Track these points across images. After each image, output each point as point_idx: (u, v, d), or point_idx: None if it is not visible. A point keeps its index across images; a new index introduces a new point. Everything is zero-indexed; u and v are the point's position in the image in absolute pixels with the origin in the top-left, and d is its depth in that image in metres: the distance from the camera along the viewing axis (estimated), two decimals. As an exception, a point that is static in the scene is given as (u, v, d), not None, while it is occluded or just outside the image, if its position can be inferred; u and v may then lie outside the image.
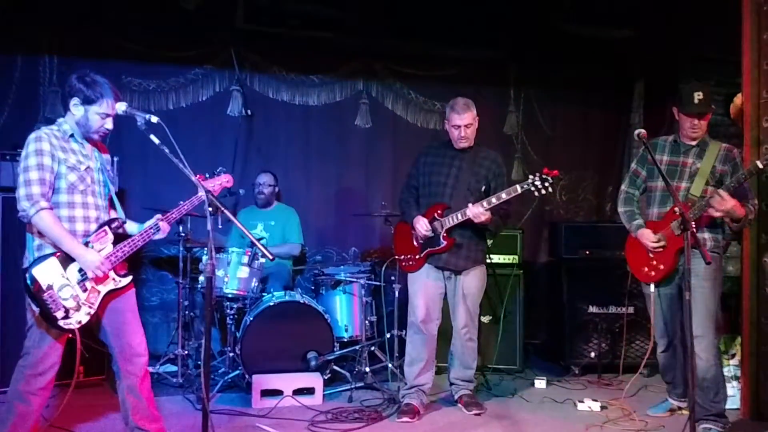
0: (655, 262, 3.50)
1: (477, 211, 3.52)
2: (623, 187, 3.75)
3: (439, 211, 3.71)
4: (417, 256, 3.81)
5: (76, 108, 2.77)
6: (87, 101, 2.75)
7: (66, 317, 2.65)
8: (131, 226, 2.95)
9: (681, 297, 3.52)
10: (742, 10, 3.78)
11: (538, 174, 3.46)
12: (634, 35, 5.34)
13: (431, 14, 5.01)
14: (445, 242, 3.69)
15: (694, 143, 3.50)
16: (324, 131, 5.56)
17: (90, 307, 2.72)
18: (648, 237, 3.48)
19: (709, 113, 3.44)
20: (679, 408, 3.77)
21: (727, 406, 3.58)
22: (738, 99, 4.71)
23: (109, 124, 2.82)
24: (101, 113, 2.77)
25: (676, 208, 3.33)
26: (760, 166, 3.21)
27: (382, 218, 4.76)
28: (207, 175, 3.16)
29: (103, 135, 2.86)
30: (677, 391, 3.76)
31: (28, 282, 2.62)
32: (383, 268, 4.58)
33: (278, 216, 5.00)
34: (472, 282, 3.81)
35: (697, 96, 3.39)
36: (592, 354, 4.74)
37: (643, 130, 3.08)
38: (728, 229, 3.47)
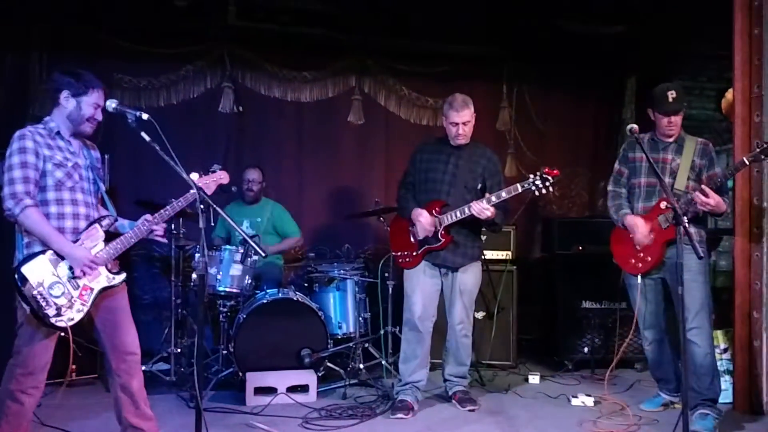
0: (642, 254, 3.54)
1: (480, 207, 3.52)
2: (609, 187, 3.80)
3: (437, 208, 3.71)
4: (414, 253, 3.80)
5: (67, 101, 2.77)
6: (78, 93, 2.77)
7: (58, 315, 2.63)
8: (122, 224, 2.93)
9: (667, 288, 3.56)
10: (733, 7, 3.79)
11: (538, 173, 3.48)
12: (626, 31, 5.35)
13: (423, 10, 5.00)
14: (443, 239, 3.69)
15: (671, 140, 3.57)
16: (316, 128, 5.54)
17: (83, 304, 2.70)
18: (640, 225, 3.50)
19: (683, 110, 3.54)
20: (672, 402, 3.79)
21: (720, 400, 3.60)
22: (729, 94, 4.73)
23: (99, 115, 2.83)
24: (93, 103, 2.79)
25: (663, 203, 3.43)
26: (746, 162, 3.28)
27: (375, 215, 4.76)
28: (202, 173, 3.13)
29: (93, 125, 2.84)
30: (669, 386, 3.78)
31: (17, 280, 2.60)
32: (380, 265, 4.57)
33: (265, 212, 4.97)
34: (469, 279, 3.81)
35: (671, 95, 3.47)
36: (586, 349, 4.75)
37: (635, 125, 3.09)
38: (713, 223, 3.53)
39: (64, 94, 2.77)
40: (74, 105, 2.77)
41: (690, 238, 2.81)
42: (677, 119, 3.52)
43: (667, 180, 3.50)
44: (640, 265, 3.55)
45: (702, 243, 3.50)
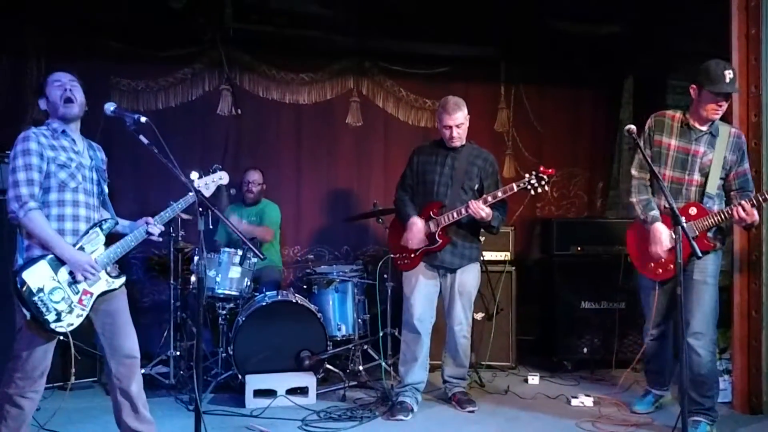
0: (664, 261, 3.35)
1: (476, 206, 3.53)
2: (633, 171, 3.48)
3: (434, 210, 3.71)
4: (412, 255, 3.80)
5: (42, 102, 2.80)
6: (41, 89, 2.79)
7: (58, 320, 2.62)
8: (124, 226, 2.93)
9: (684, 292, 3.49)
10: (731, 7, 3.80)
11: (534, 173, 3.49)
12: (622, 31, 5.36)
13: (421, 12, 5.00)
14: (440, 241, 3.69)
15: (705, 128, 3.27)
16: (315, 130, 5.54)
17: (82, 309, 2.70)
18: (663, 237, 3.26)
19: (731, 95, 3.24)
20: (661, 397, 3.77)
21: (719, 400, 3.60)
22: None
23: (68, 87, 2.76)
24: (53, 84, 2.77)
25: (692, 209, 3.23)
26: None
27: (374, 217, 4.76)
28: (201, 172, 3.12)
29: (72, 102, 2.76)
30: (660, 379, 3.76)
31: (18, 285, 2.59)
32: (378, 267, 4.57)
33: (259, 211, 4.99)
34: (467, 280, 3.81)
35: (728, 74, 3.13)
36: (585, 350, 4.75)
37: (632, 126, 3.06)
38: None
39: (40, 100, 2.81)
40: (44, 101, 2.79)
41: (688, 238, 2.77)
42: (726, 104, 3.20)
43: (696, 177, 3.27)
44: (660, 271, 3.37)
45: (721, 247, 3.35)
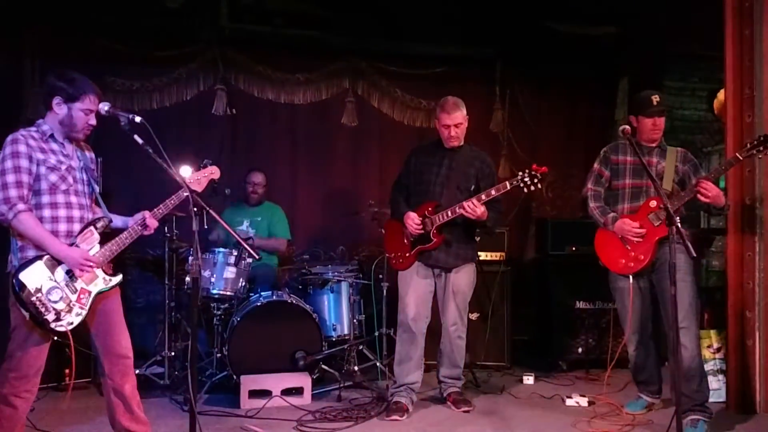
0: (634, 254, 3.52)
1: (471, 205, 3.54)
2: (589, 185, 3.78)
3: (429, 209, 3.72)
4: (407, 254, 3.81)
5: (59, 107, 2.74)
6: (70, 99, 2.72)
7: (57, 320, 2.62)
8: (117, 221, 2.92)
9: (653, 289, 3.57)
10: (725, 7, 3.82)
11: (527, 170, 3.50)
12: (617, 32, 5.38)
13: (417, 12, 5.02)
14: (435, 239, 3.69)
15: (654, 144, 3.60)
16: (310, 130, 5.55)
17: (81, 308, 2.69)
18: (630, 224, 3.50)
19: (665, 113, 3.59)
20: (653, 404, 3.80)
21: (713, 400, 3.62)
22: (721, 95, 4.75)
23: (92, 120, 2.79)
24: (85, 109, 2.75)
25: (652, 202, 3.45)
26: (740, 157, 3.29)
27: (369, 216, 4.76)
28: (193, 169, 3.13)
29: (87, 132, 2.82)
30: (652, 388, 3.79)
31: (16, 287, 2.59)
32: (373, 267, 4.57)
33: (264, 213, 4.98)
34: (462, 280, 3.81)
35: (655, 99, 3.53)
36: (580, 349, 4.77)
37: (627, 127, 3.12)
38: (705, 223, 3.54)
39: (56, 99, 2.73)
40: (66, 111, 2.74)
41: (683, 238, 2.83)
42: (662, 122, 3.55)
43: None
44: (632, 264, 3.53)
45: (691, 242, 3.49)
